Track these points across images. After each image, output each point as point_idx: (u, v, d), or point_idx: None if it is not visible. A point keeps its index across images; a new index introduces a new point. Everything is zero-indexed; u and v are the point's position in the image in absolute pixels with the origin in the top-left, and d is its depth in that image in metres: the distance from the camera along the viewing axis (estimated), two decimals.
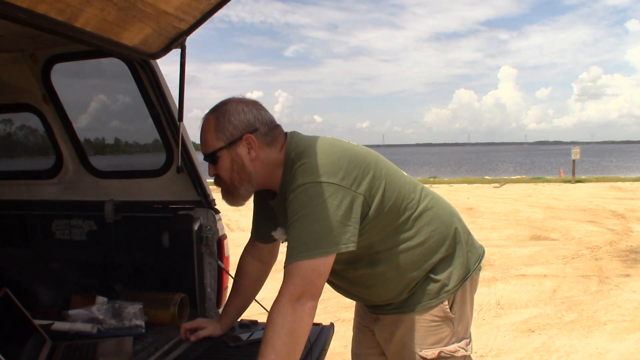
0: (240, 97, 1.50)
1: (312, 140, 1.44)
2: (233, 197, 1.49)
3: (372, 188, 1.40)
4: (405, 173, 1.58)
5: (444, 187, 17.10)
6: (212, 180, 1.59)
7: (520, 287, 5.17)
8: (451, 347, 1.55)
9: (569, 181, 17.63)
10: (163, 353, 1.80)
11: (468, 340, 1.60)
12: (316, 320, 1.45)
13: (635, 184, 16.50)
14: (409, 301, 1.54)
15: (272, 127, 1.48)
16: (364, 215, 1.39)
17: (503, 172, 33.94)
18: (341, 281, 1.59)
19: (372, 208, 1.41)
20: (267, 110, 1.49)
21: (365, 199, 1.38)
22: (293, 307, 1.28)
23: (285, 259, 1.32)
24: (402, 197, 1.48)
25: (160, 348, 1.84)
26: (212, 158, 1.46)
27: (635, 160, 51.71)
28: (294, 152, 1.42)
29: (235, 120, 1.43)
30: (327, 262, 1.32)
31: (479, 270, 1.64)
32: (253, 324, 1.97)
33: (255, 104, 1.48)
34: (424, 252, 1.51)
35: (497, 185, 17.50)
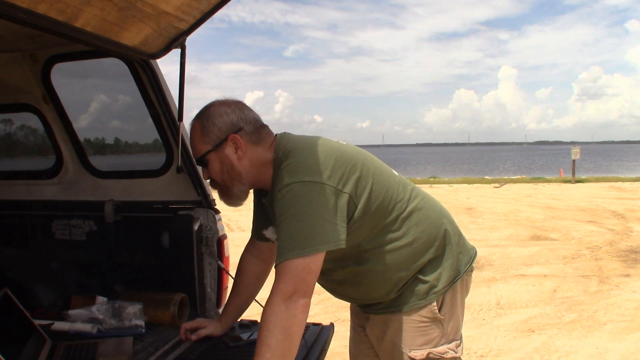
0: (223, 99, 1.52)
1: (300, 140, 1.46)
2: (228, 197, 1.53)
3: (359, 187, 1.41)
4: (396, 172, 1.58)
5: (444, 187, 17.09)
6: None
7: (520, 287, 5.17)
8: (440, 349, 1.54)
9: (569, 181, 17.64)
10: (163, 353, 1.80)
11: (458, 342, 1.59)
12: (316, 320, 1.45)
13: (635, 184, 16.51)
14: (397, 301, 1.55)
15: (258, 127, 1.49)
16: (350, 214, 1.40)
17: (503, 172, 33.94)
18: (330, 281, 1.59)
19: (359, 207, 1.41)
20: (251, 110, 1.51)
21: (351, 198, 1.39)
22: (286, 305, 1.28)
23: (276, 258, 1.33)
24: (390, 196, 1.48)
25: (160, 348, 1.84)
26: (202, 162, 1.50)
27: (635, 160, 51.69)
28: (281, 151, 1.43)
29: (219, 122, 1.46)
30: (317, 260, 1.32)
31: (471, 271, 1.63)
32: (253, 324, 1.97)
33: (238, 104, 1.50)
34: (412, 253, 1.51)
35: (497, 185, 17.51)
